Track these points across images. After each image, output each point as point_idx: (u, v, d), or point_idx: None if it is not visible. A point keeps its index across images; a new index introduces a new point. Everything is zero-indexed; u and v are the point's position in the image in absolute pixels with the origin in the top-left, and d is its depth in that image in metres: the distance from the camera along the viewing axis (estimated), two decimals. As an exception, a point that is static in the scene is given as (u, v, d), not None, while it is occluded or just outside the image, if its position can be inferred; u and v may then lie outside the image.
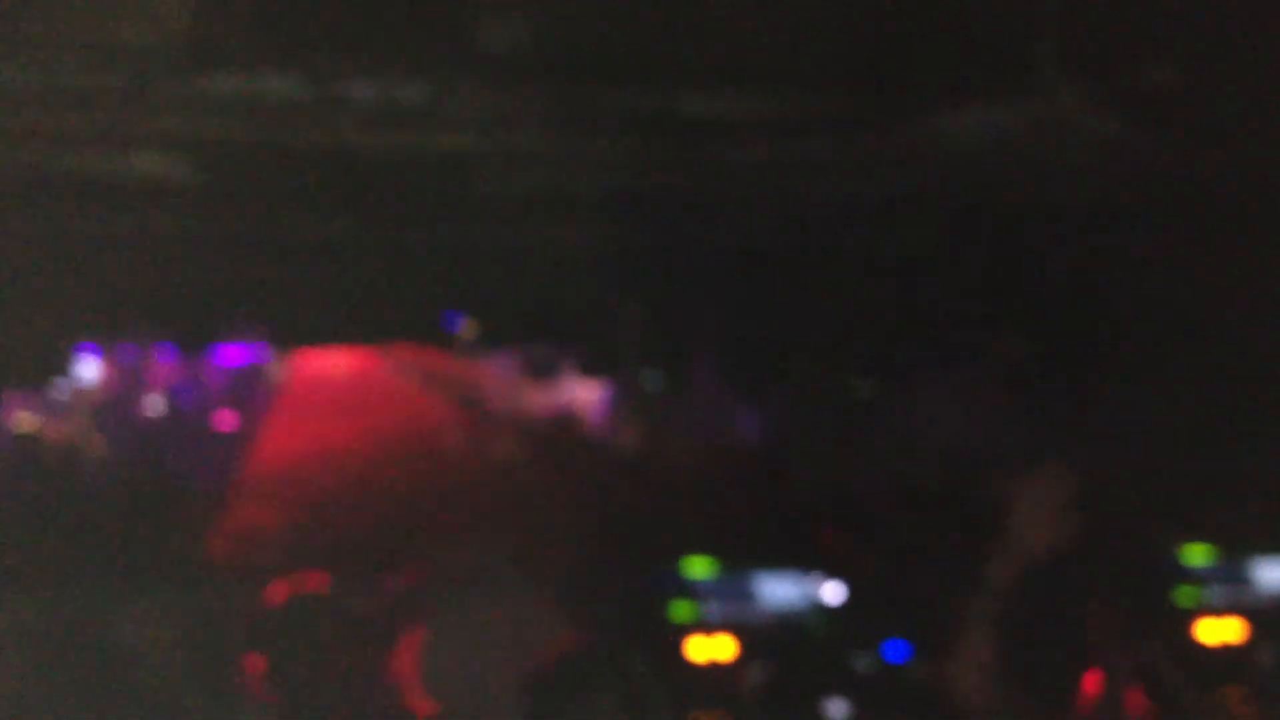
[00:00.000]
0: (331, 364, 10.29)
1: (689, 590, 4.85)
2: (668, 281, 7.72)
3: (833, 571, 4.86)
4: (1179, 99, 4.15)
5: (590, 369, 9.79)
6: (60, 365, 9.12)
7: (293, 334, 9.51)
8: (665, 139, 4.58)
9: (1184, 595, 4.98)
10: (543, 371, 9.88)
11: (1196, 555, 5.10)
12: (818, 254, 5.90)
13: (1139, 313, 5.17)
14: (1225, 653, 4.95)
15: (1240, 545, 5.12)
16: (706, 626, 4.71)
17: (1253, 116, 4.38)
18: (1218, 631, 4.96)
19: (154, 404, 10.30)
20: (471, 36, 4.11)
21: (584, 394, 9.92)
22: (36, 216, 6.11)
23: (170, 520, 7.74)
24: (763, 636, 4.69)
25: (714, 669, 4.63)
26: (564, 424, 9.58)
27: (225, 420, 10.25)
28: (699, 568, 4.92)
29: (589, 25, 3.94)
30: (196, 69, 4.39)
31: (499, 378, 10.00)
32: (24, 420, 8.99)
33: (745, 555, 4.98)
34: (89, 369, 9.78)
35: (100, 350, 9.77)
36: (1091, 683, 4.76)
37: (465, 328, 9.77)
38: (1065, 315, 5.39)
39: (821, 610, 4.79)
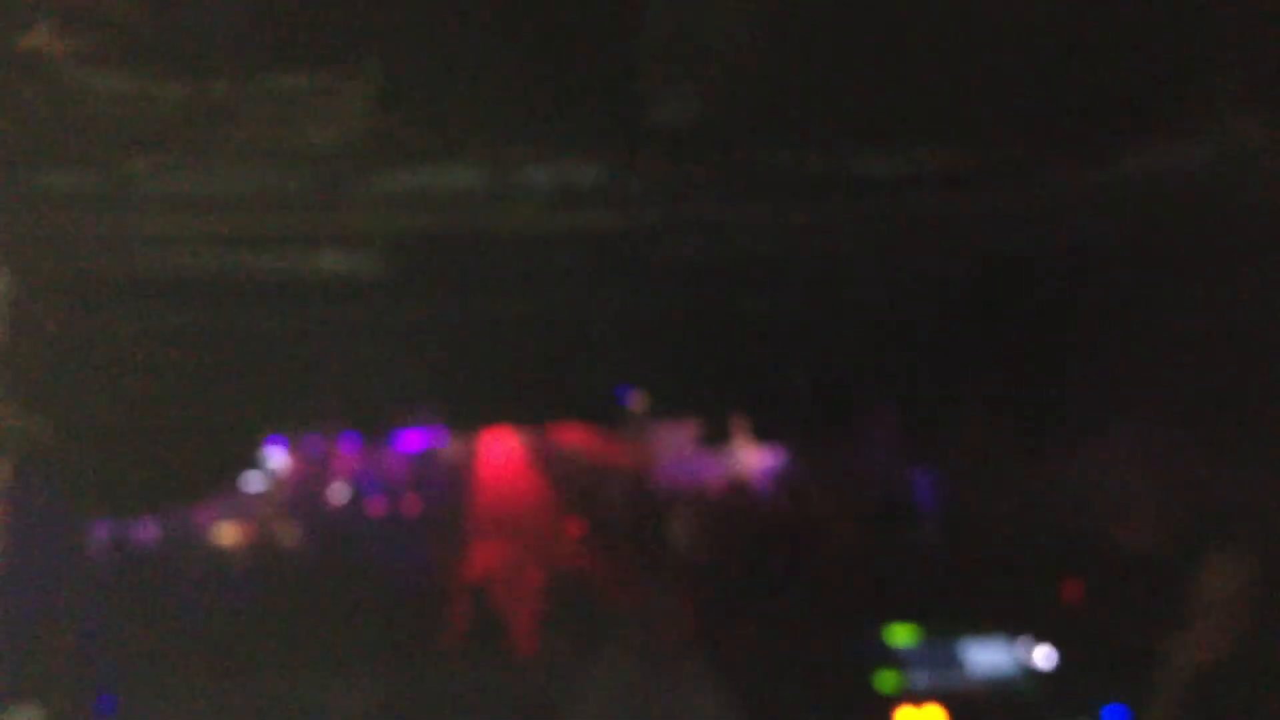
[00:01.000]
0: (507, 446, 10.43)
1: (893, 659, 4.73)
2: (841, 345, 7.65)
3: (1043, 636, 4.68)
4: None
5: (762, 436, 9.73)
6: (251, 460, 9.42)
7: (470, 418, 9.67)
8: (841, 200, 4.54)
9: None
10: (714, 440, 9.87)
11: None
12: (999, 307, 5.78)
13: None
14: None
15: None
16: (914, 696, 4.58)
17: None
18: None
19: (340, 493, 10.57)
20: (643, 112, 4.15)
21: (756, 461, 9.86)
22: (226, 316, 6.34)
23: (361, 602, 7.87)
24: (973, 705, 4.53)
25: (925, 741, 4.49)
26: (737, 492, 9.53)
27: (409, 505, 10.46)
28: (902, 635, 4.79)
29: (759, 91, 3.95)
30: (379, 166, 4.51)
31: (671, 449, 10.01)
32: (225, 533, 9.29)
33: (949, 622, 4.84)
34: (278, 461, 10.08)
35: (287, 443, 10.07)
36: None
37: (636, 401, 9.82)
38: (1256, 361, 5.15)
39: (1033, 675, 4.61)
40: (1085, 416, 5.73)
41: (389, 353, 7.64)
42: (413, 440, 10.36)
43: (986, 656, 4.69)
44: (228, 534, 9.48)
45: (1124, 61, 4.05)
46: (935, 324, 6.79)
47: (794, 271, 5.88)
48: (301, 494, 10.25)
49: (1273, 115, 4.09)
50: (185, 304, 5.90)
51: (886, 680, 4.67)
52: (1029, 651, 4.66)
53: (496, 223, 4.68)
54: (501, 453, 10.49)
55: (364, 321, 6.69)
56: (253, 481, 9.68)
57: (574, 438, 10.29)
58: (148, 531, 8.66)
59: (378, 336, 7.06)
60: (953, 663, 4.68)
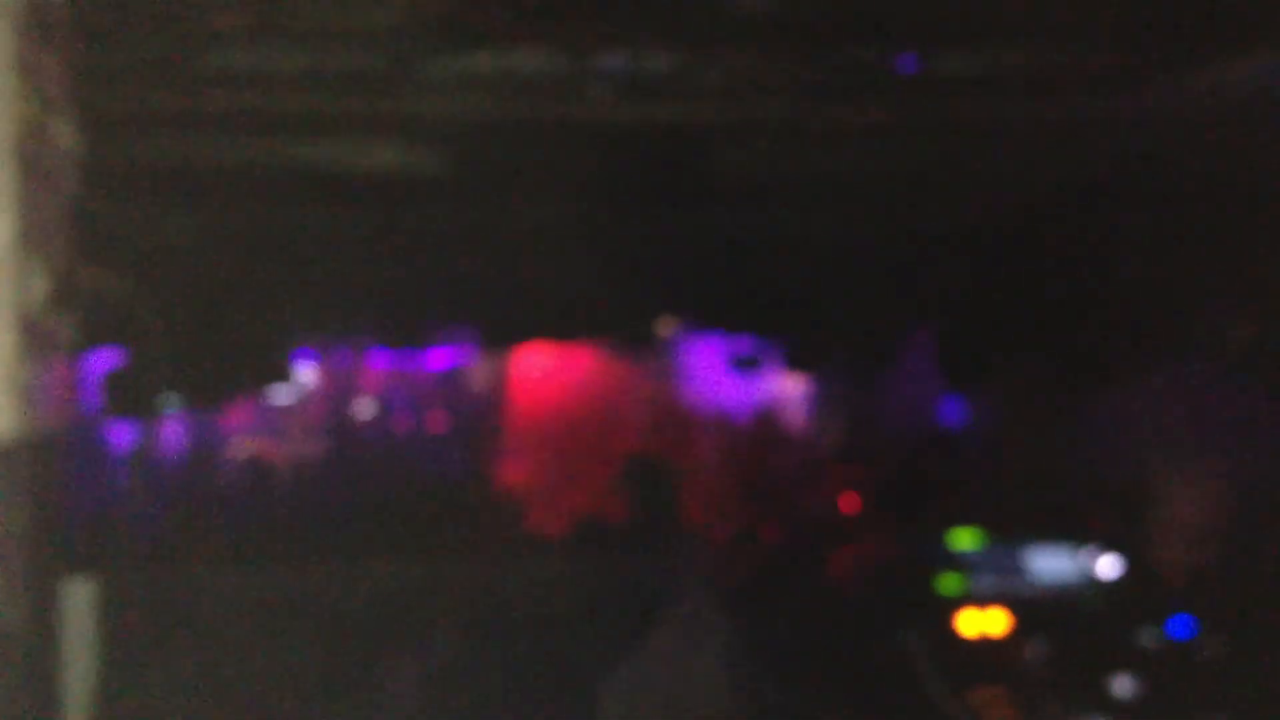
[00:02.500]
0: (536, 364, 10.38)
1: (957, 563, 4.70)
2: (882, 272, 7.55)
3: (1109, 546, 4.64)
4: None
5: (795, 363, 9.67)
6: (280, 370, 9.36)
7: (501, 334, 9.61)
8: (919, 103, 4.45)
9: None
10: (746, 366, 9.80)
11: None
12: (1052, 229, 5.69)
13: None
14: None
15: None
16: (977, 600, 4.55)
17: None
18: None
19: (366, 408, 10.53)
20: (722, 0, 4.06)
21: (789, 388, 9.81)
22: (274, 211, 6.27)
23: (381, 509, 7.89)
24: (1037, 611, 4.51)
25: (988, 643, 4.47)
26: (767, 419, 9.49)
27: (436, 422, 10.43)
28: (966, 540, 4.77)
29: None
30: (446, 48, 4.42)
31: (702, 372, 9.96)
32: (250, 442, 9.26)
33: (1014, 528, 4.81)
34: (307, 375, 10.03)
35: (318, 355, 10.02)
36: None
37: (666, 324, 9.75)
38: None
39: (1098, 585, 4.59)
40: (1130, 358, 5.66)
41: (430, 262, 7.56)
42: (442, 357, 10.30)
43: (1051, 564, 4.67)
44: (252, 443, 9.46)
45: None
46: (982, 252, 6.70)
47: (853, 188, 5.79)
48: (327, 408, 10.22)
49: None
50: (234, 195, 5.82)
51: (950, 583, 4.65)
52: (1094, 560, 4.64)
53: (564, 111, 4.60)
54: (530, 371, 10.43)
55: (409, 226, 6.62)
56: (280, 392, 9.65)
57: (605, 358, 10.23)
58: (173, 430, 8.63)
59: (421, 242, 6.99)
60: (1017, 569, 4.66)
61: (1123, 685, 4.03)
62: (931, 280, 7.15)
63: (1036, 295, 6.41)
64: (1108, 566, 4.60)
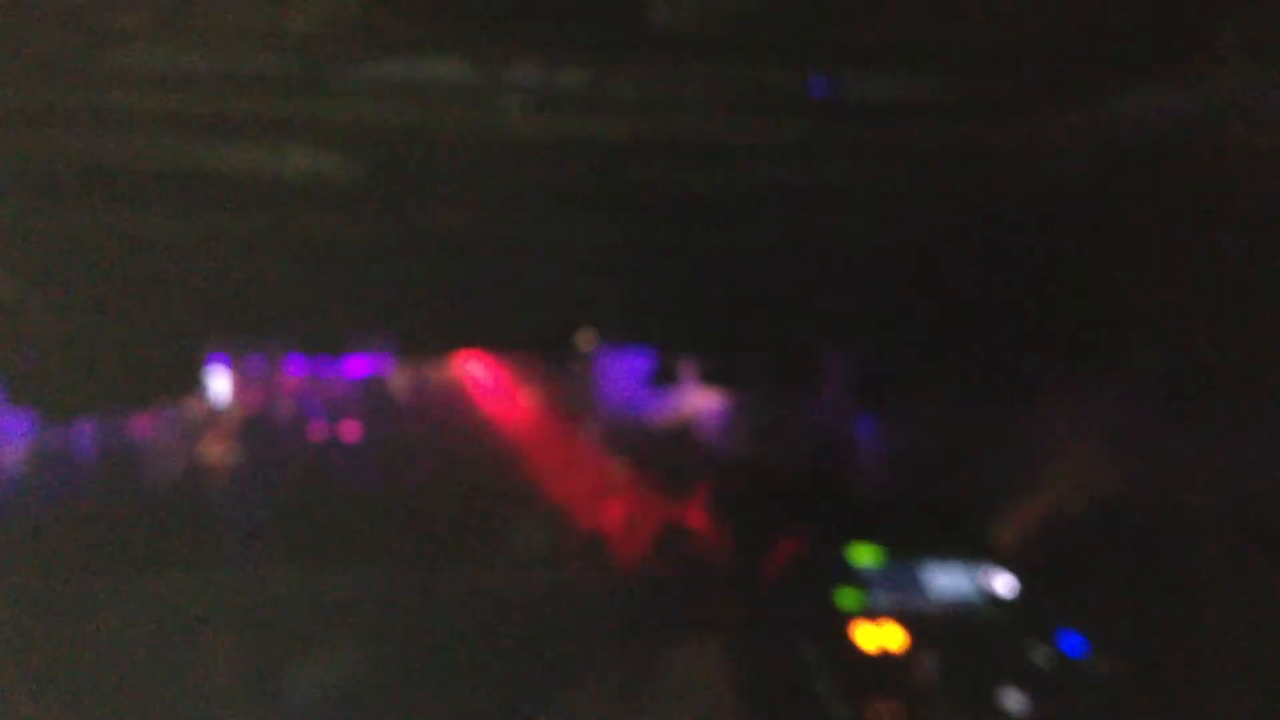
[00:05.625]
0: (453, 374, 10.34)
1: (855, 578, 4.76)
2: (799, 291, 7.62)
3: (1003, 563, 4.72)
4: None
5: (711, 378, 9.72)
6: (192, 376, 9.23)
7: (418, 344, 9.55)
8: (832, 123, 4.50)
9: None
10: (663, 379, 9.84)
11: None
12: (976, 249, 5.78)
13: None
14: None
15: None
16: (873, 614, 4.61)
17: None
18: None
19: (280, 415, 10.41)
20: (637, 16, 4.08)
21: (702, 403, 9.86)
22: (185, 215, 6.19)
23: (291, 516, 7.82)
24: (933, 626, 4.58)
25: (884, 658, 4.52)
26: (683, 431, 9.53)
27: (350, 430, 10.34)
28: (865, 556, 4.82)
29: (759, 2, 3.89)
30: (360, 55, 4.41)
31: (617, 385, 9.98)
32: (161, 447, 9.13)
33: (911, 545, 4.87)
34: (220, 381, 9.90)
35: (230, 361, 9.90)
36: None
37: (584, 337, 9.76)
38: (1233, 318, 5.17)
39: (993, 601, 4.66)
40: (1042, 375, 5.76)
41: (344, 269, 7.50)
42: (359, 366, 10.22)
43: (947, 580, 4.74)
44: (164, 448, 9.33)
45: (1122, 1, 4.04)
46: (897, 273, 6.79)
47: (765, 204, 5.84)
48: (241, 414, 10.09)
49: (1269, 63, 4.10)
50: (144, 197, 5.74)
51: (848, 597, 4.71)
52: (989, 578, 4.72)
53: (475, 122, 4.59)
54: (446, 381, 10.39)
55: (323, 232, 6.57)
56: (193, 398, 9.51)
57: (520, 370, 10.22)
58: (83, 437, 8.49)
59: (335, 249, 6.93)
60: (914, 585, 4.73)
61: (1013, 699, 4.10)
62: (843, 300, 7.23)
63: (944, 317, 6.51)
64: (1003, 584, 4.68)
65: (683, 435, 9.59)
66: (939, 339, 6.61)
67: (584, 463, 8.92)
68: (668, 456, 8.76)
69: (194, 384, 9.45)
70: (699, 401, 9.90)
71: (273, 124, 4.90)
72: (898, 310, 6.91)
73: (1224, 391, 5.01)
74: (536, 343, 9.09)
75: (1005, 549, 4.77)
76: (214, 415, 10.06)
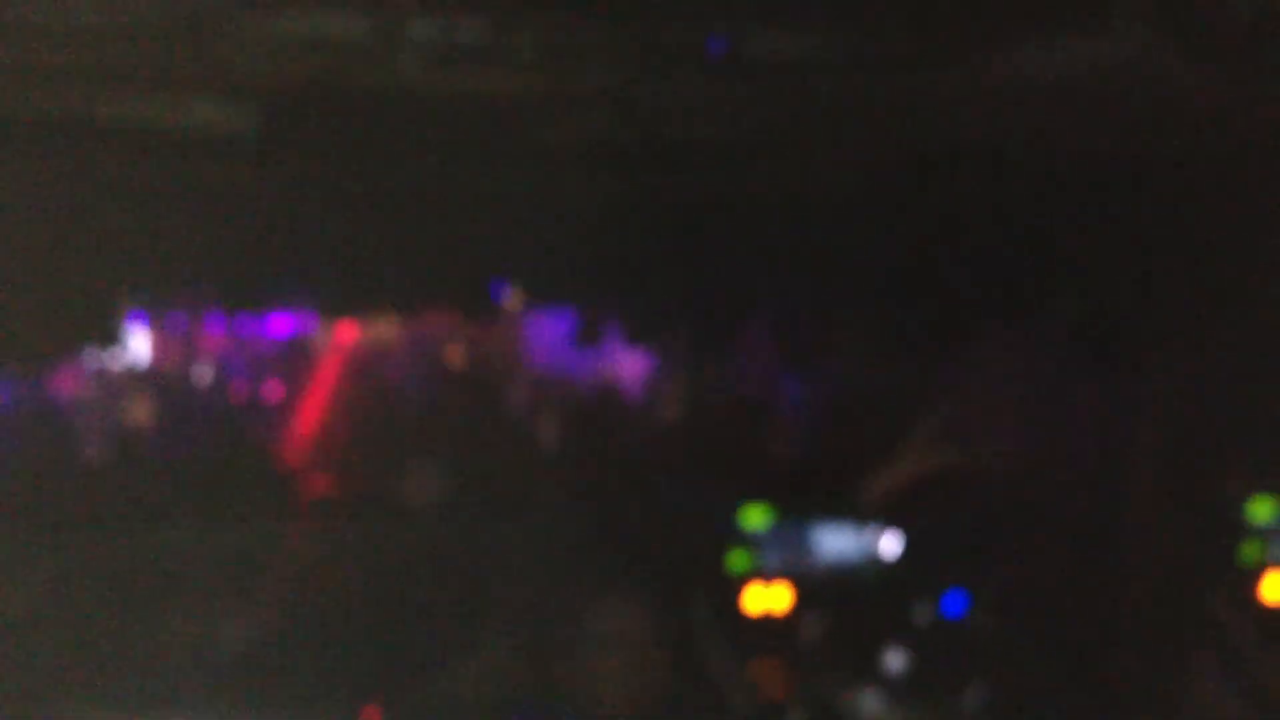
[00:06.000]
0: (374, 333, 10.28)
1: (746, 540, 4.79)
2: (716, 240, 7.62)
3: (890, 523, 4.77)
4: (1267, 42, 3.99)
5: (635, 337, 9.72)
6: (110, 333, 9.12)
7: (338, 302, 9.48)
8: (731, 81, 4.50)
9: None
10: (587, 339, 9.82)
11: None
12: (876, 206, 5.79)
13: (1207, 268, 5.03)
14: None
15: None
16: (764, 575, 4.65)
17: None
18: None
19: (201, 374, 10.31)
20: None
21: (627, 363, 9.87)
22: (89, 168, 6.09)
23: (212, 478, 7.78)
24: (819, 587, 4.62)
25: (770, 620, 4.56)
26: (606, 392, 9.54)
27: (272, 391, 10.26)
28: (756, 517, 4.85)
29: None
30: (251, 6, 4.35)
31: (543, 345, 9.96)
32: (80, 404, 9.02)
33: (802, 506, 4.90)
34: (138, 339, 9.79)
35: (149, 319, 9.78)
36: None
37: (511, 296, 9.72)
38: (1129, 273, 5.24)
39: (878, 563, 4.72)
40: (959, 320, 5.80)
41: (260, 226, 7.42)
42: (281, 324, 10.13)
43: (836, 541, 4.78)
44: (83, 405, 9.23)
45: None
46: (818, 221, 6.79)
47: (677, 159, 5.82)
48: (160, 373, 9.99)
49: (1166, 20, 4.11)
50: (40, 149, 5.64)
51: (739, 559, 4.74)
52: (876, 539, 4.76)
53: (373, 78, 4.55)
54: (368, 340, 10.34)
55: (235, 186, 6.48)
56: (110, 356, 9.41)
57: (445, 328, 10.19)
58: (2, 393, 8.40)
59: (249, 205, 6.85)
60: (803, 546, 4.77)
61: (895, 659, 4.15)
62: (762, 256, 7.23)
63: (861, 273, 6.53)
64: (889, 544, 4.73)
65: (606, 396, 9.60)
66: (855, 295, 6.63)
67: (484, 417, 8.91)
68: (592, 417, 8.77)
69: (111, 340, 9.35)
70: (623, 362, 9.91)
71: (168, 76, 4.83)
72: (816, 266, 6.92)
73: (1123, 345, 5.08)
74: (458, 301, 9.05)
75: (880, 506, 4.83)
76: (133, 374, 9.96)
